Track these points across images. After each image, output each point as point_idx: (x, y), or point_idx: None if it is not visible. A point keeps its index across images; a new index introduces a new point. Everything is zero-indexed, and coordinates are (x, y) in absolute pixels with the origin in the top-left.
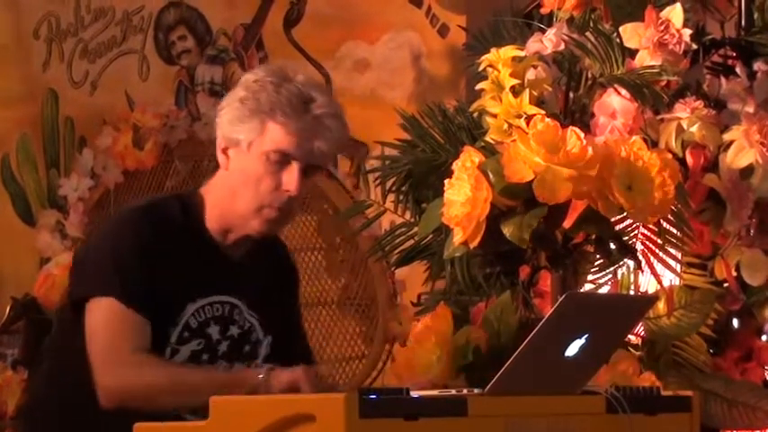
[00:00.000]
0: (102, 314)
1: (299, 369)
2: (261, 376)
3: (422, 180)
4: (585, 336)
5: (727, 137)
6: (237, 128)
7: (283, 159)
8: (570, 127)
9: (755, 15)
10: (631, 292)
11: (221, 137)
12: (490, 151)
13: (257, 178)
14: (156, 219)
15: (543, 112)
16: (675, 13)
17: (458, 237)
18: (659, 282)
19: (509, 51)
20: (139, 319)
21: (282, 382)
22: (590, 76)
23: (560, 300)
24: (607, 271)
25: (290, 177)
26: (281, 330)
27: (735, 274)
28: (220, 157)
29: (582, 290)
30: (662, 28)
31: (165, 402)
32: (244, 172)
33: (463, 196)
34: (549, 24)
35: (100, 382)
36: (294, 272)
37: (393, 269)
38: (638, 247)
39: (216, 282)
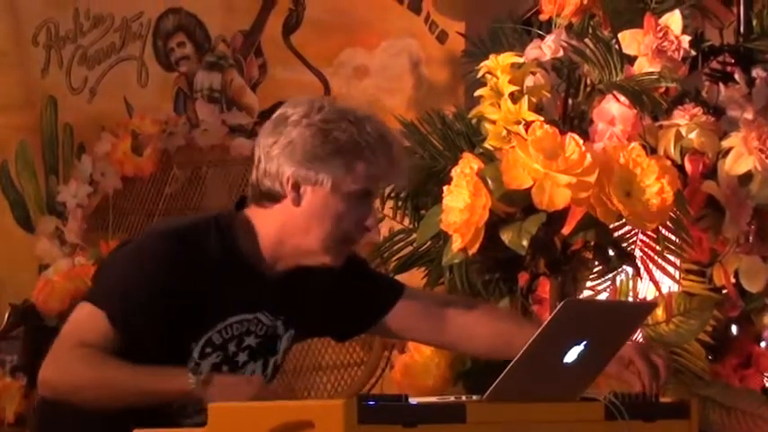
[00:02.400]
0: (84, 316)
1: (245, 382)
2: (191, 382)
3: (421, 186)
4: (584, 342)
5: (725, 143)
6: (316, 166)
7: (364, 195)
8: (569, 133)
9: (754, 22)
10: (630, 299)
11: (290, 173)
12: (489, 158)
13: (339, 216)
14: (189, 243)
15: (542, 118)
16: (674, 20)
17: (456, 243)
18: (658, 288)
19: (508, 58)
20: (114, 337)
21: (224, 397)
22: (589, 82)
23: (559, 306)
24: (606, 277)
25: (370, 213)
26: (312, 323)
27: (733, 280)
28: (291, 195)
29: (581, 296)
30: (661, 35)
31: (89, 399)
32: (324, 210)
33: (462, 203)
34: (548, 31)
35: (41, 374)
36: (351, 265)
37: (392, 275)
38: (637, 253)
39: (247, 302)
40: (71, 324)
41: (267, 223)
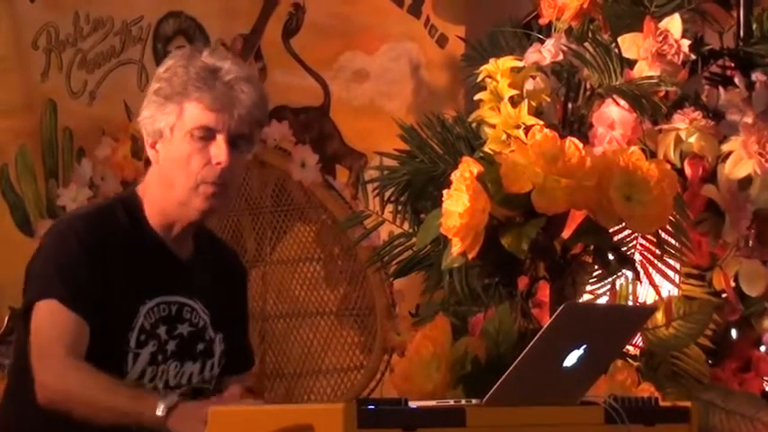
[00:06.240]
0: (44, 314)
1: (205, 408)
2: (160, 413)
3: (420, 190)
4: (584, 346)
5: (725, 147)
6: (156, 119)
7: (207, 135)
8: (569, 137)
9: (754, 26)
10: (630, 303)
11: (146, 134)
12: (489, 162)
13: (187, 159)
14: (101, 224)
15: (542, 122)
16: (674, 24)
17: (456, 247)
18: (658, 292)
19: (508, 62)
20: (80, 322)
21: (184, 426)
22: (588, 86)
23: (559, 310)
24: (605, 281)
25: (218, 150)
26: (229, 329)
27: (733, 284)
28: (151, 154)
29: (580, 300)
30: (660, 38)
31: (88, 413)
32: (173, 158)
33: (461, 207)
34: (548, 35)
35: (38, 379)
36: (244, 273)
37: (391, 279)
38: (637, 257)
39: (164, 282)
40: (39, 331)
41: (149, 189)
